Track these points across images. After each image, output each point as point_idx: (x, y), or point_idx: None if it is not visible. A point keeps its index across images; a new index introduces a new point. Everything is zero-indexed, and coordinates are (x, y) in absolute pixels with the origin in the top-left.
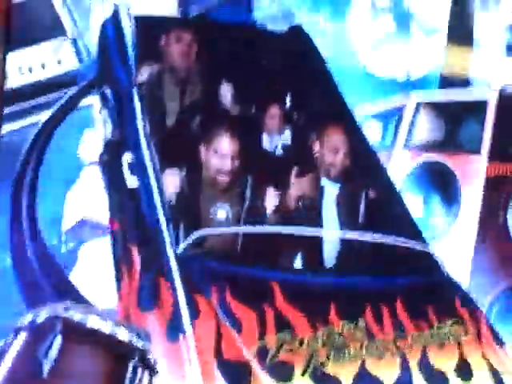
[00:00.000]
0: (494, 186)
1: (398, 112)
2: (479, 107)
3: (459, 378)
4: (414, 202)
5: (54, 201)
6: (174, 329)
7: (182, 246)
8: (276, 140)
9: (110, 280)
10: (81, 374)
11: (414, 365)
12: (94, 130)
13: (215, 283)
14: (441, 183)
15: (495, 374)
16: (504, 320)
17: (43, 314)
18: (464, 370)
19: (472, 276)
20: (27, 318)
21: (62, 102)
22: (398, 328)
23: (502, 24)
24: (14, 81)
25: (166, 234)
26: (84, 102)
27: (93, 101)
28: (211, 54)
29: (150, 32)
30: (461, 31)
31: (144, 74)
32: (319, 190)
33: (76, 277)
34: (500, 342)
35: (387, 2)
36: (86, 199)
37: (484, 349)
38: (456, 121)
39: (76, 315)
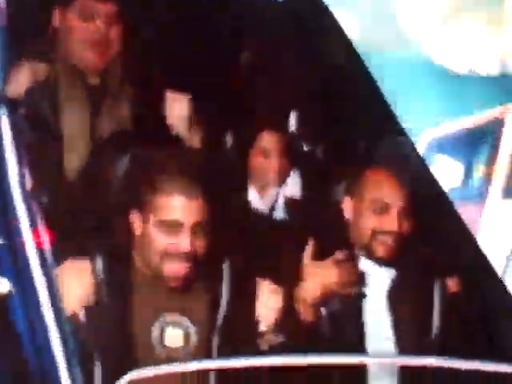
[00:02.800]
0: None
1: (490, 134)
2: None
3: None
4: None
5: None
6: None
7: None
8: (273, 193)
9: None
10: None
11: None
12: None
13: None
14: None
15: None
16: None
17: None
18: None
19: None
20: None
21: None
22: None
23: None
24: None
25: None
26: None
27: None
28: (150, 42)
29: (31, 4)
30: None
31: (21, 81)
32: (358, 282)
33: None
34: None
35: None
36: None
37: None
38: None
39: None
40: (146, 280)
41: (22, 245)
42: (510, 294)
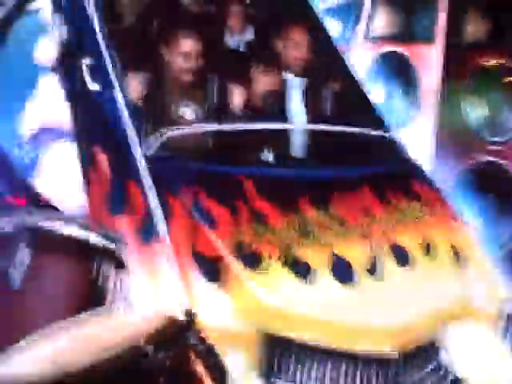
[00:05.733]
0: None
1: (358, 5)
2: None
3: (426, 257)
4: (377, 92)
5: (11, 111)
6: (147, 230)
7: (151, 147)
8: (238, 38)
9: (78, 185)
10: (53, 277)
11: (384, 247)
12: (49, 35)
13: (187, 182)
14: (400, 73)
15: (456, 253)
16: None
17: (4, 223)
18: (428, 247)
19: (435, 160)
20: None
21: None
22: (367, 213)
23: None
24: None
25: (133, 135)
26: (34, 5)
27: (43, 4)
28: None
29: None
30: None
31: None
32: (283, 84)
33: (41, 184)
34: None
35: None
36: (45, 106)
37: (445, 225)
38: (410, 11)
39: (42, 222)
40: (172, 83)
41: (103, 65)
42: (363, 86)
